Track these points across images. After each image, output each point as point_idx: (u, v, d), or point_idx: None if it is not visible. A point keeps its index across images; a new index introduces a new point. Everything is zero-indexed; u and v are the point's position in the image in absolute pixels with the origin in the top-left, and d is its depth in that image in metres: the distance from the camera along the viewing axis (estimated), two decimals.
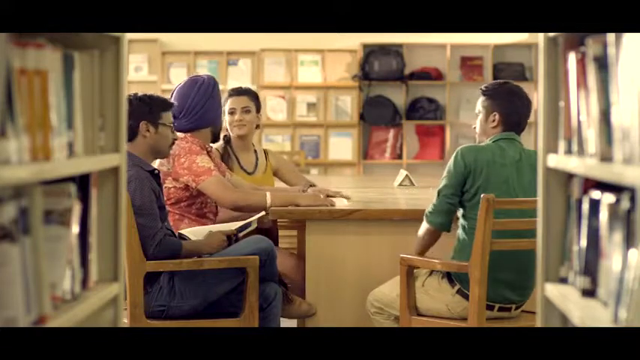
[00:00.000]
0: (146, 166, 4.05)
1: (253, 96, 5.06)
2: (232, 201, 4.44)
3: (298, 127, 9.94)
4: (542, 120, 2.59)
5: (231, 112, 4.97)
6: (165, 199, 4.41)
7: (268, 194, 4.47)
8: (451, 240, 4.04)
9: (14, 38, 1.80)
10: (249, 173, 5.05)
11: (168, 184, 4.47)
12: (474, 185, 3.91)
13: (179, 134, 4.45)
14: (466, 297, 3.86)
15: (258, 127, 5.10)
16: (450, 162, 3.97)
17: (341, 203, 4.61)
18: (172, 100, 4.52)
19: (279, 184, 5.30)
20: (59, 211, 2.12)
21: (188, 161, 4.45)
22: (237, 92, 5.05)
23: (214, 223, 4.61)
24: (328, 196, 4.63)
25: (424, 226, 4.02)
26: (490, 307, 3.88)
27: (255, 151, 5.16)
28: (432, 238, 4.03)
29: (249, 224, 4.27)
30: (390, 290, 4.09)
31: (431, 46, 9.95)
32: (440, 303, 3.96)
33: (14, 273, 1.80)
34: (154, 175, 4.06)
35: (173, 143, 4.21)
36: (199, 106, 4.60)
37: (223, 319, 3.98)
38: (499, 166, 3.94)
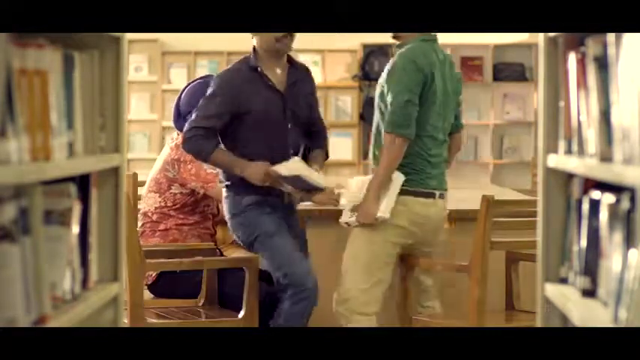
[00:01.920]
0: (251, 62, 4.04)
1: None
2: None
3: None
4: (542, 120, 2.59)
5: None
6: (171, 204, 4.41)
7: None
8: (456, 238, 4.04)
9: (14, 38, 1.80)
10: None
11: (174, 190, 4.45)
12: (427, 88, 3.76)
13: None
14: (422, 195, 3.84)
15: None
16: (403, 69, 3.73)
17: (343, 203, 4.60)
18: (182, 100, 4.50)
19: None
20: (59, 211, 2.12)
21: (195, 168, 4.42)
22: None
23: (214, 223, 4.60)
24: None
25: (395, 143, 3.74)
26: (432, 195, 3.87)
27: None
28: (403, 150, 3.80)
29: (310, 184, 3.97)
30: (352, 285, 3.95)
31: None
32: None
33: (14, 273, 1.80)
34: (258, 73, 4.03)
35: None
36: None
37: (223, 319, 3.97)
38: (438, 66, 3.81)
